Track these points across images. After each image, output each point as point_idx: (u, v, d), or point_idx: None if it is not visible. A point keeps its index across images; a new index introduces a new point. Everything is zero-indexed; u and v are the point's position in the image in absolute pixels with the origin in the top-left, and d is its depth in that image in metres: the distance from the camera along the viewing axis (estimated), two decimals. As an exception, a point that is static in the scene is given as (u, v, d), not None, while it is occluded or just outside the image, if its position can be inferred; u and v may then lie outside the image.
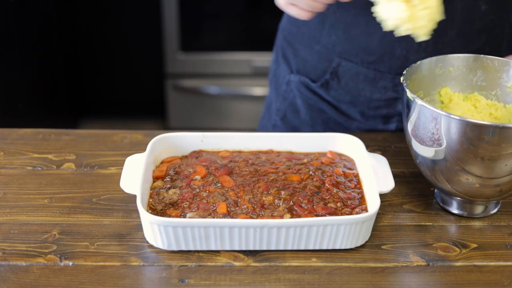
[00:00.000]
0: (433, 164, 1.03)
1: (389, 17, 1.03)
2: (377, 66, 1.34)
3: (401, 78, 1.07)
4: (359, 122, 1.42)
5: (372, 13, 1.27)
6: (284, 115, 1.52)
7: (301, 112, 1.49)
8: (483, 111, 1.13)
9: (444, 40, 1.30)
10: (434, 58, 1.15)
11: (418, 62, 1.12)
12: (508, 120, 1.12)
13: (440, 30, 1.28)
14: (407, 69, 1.09)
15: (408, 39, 1.30)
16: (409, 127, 1.05)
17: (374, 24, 1.29)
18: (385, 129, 1.41)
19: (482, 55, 1.15)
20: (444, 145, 0.99)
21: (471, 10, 1.29)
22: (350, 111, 1.42)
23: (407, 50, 1.32)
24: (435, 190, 1.15)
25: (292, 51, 1.48)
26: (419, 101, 1.00)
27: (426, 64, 1.14)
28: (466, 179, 1.01)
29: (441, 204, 1.12)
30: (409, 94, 1.02)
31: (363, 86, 1.38)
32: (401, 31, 1.03)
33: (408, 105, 1.04)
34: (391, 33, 1.30)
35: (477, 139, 0.95)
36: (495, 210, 1.10)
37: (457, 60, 1.16)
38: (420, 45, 1.30)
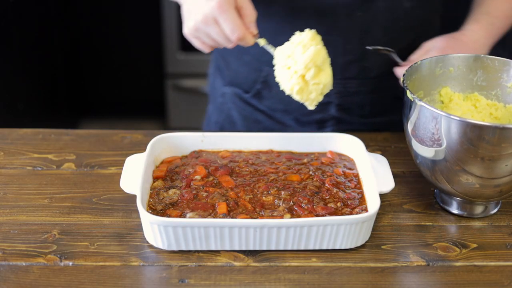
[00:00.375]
0: (433, 164, 1.03)
1: (283, 83, 1.07)
2: None
3: (401, 79, 1.07)
4: (295, 129, 1.42)
5: (296, 20, 1.28)
6: (221, 127, 1.53)
7: (237, 124, 1.50)
8: (483, 111, 1.13)
9: (370, 40, 1.30)
10: (434, 58, 1.15)
11: (418, 62, 1.12)
12: (508, 120, 1.12)
13: (365, 31, 1.29)
14: (407, 69, 1.09)
15: (333, 43, 1.31)
16: (409, 127, 1.05)
17: (298, 30, 1.30)
18: None
19: (483, 55, 1.15)
20: (444, 145, 0.99)
21: (394, 9, 1.29)
22: (284, 119, 1.43)
23: (333, 55, 1.31)
24: (435, 190, 1.15)
25: (224, 63, 1.48)
26: (419, 102, 1.00)
27: (426, 64, 1.14)
28: (466, 179, 1.01)
29: (441, 204, 1.12)
30: (409, 94, 1.02)
31: None
32: (293, 96, 1.07)
33: (408, 105, 1.04)
34: None
35: (477, 139, 0.95)
36: (495, 210, 1.10)
37: (458, 60, 1.16)
38: (346, 48, 1.30)
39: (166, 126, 3.34)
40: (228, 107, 1.50)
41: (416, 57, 1.24)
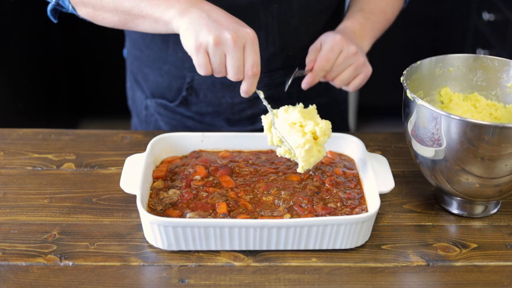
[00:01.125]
0: (433, 164, 1.03)
1: (292, 138, 1.06)
2: None
3: (401, 78, 1.07)
4: (226, 130, 1.41)
5: None
6: None
7: None
8: (483, 111, 1.13)
9: (288, 29, 1.30)
10: (434, 58, 1.15)
11: (418, 62, 1.12)
12: (508, 120, 1.12)
13: (282, 21, 1.28)
14: (407, 69, 1.09)
15: None
16: (409, 127, 1.05)
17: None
18: (254, 129, 1.41)
19: (482, 55, 1.15)
20: (444, 145, 0.99)
21: None
22: (215, 121, 1.42)
23: None
24: (436, 190, 1.15)
25: (142, 75, 1.46)
26: (419, 101, 1.00)
27: (426, 64, 1.14)
28: (466, 179, 1.01)
29: (441, 204, 1.12)
30: (409, 94, 1.02)
31: (223, 93, 1.37)
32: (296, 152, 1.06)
33: (408, 105, 1.04)
34: None
35: (477, 139, 0.95)
36: (495, 210, 1.10)
37: (457, 60, 1.16)
38: (267, 40, 1.30)
39: (166, 126, 3.34)
40: (155, 119, 1.48)
41: (311, 57, 1.22)
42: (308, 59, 1.22)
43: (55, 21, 1.30)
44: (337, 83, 1.22)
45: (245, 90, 1.06)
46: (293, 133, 1.05)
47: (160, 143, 1.16)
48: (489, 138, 0.94)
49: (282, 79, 1.36)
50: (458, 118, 0.95)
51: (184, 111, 1.42)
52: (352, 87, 1.24)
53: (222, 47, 1.01)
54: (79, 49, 3.22)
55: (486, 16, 2.63)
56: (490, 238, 1.05)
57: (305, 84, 1.21)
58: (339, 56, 1.19)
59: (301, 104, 1.09)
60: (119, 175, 1.11)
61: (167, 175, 1.12)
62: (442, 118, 0.97)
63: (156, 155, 1.15)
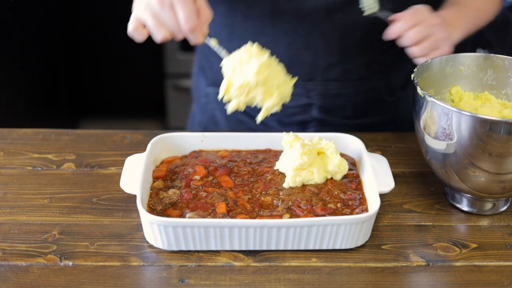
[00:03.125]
0: (444, 158, 1.03)
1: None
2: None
3: (412, 76, 1.07)
4: (277, 130, 1.41)
5: (276, 22, 1.28)
6: (205, 127, 1.53)
7: (221, 124, 1.49)
8: (494, 111, 1.13)
9: (349, 42, 1.30)
10: (444, 56, 1.15)
11: (429, 60, 1.12)
12: None
13: (345, 34, 1.28)
14: (417, 66, 1.10)
15: (314, 45, 1.30)
16: (421, 124, 1.05)
17: (279, 32, 1.31)
18: None
19: (493, 54, 1.16)
20: (455, 139, 0.99)
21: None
22: (267, 119, 1.41)
23: (314, 57, 1.32)
24: (446, 189, 1.15)
25: (207, 63, 1.48)
26: (429, 98, 1.00)
27: (437, 62, 1.14)
28: (474, 172, 1.01)
29: (451, 202, 1.12)
30: (419, 91, 1.03)
31: None
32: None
33: (419, 102, 1.04)
34: (297, 40, 1.32)
35: (486, 135, 0.96)
36: (504, 208, 1.11)
37: (468, 59, 1.16)
38: (327, 49, 1.30)
39: (166, 126, 3.34)
40: (212, 107, 1.50)
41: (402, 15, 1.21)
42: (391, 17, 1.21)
43: None
44: (414, 50, 1.19)
45: (193, 43, 1.08)
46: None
47: (160, 143, 1.16)
48: (497, 136, 0.95)
49: (337, 91, 1.36)
50: (468, 114, 0.96)
51: None
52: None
53: (149, 13, 1.04)
54: (79, 49, 3.21)
55: (486, 16, 2.62)
56: (490, 238, 1.05)
57: (387, 34, 1.20)
58: (422, 20, 1.17)
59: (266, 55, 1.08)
60: (119, 175, 1.11)
61: (167, 175, 1.12)
62: (453, 114, 0.98)
63: (156, 155, 1.15)
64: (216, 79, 1.45)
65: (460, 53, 1.16)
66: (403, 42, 1.19)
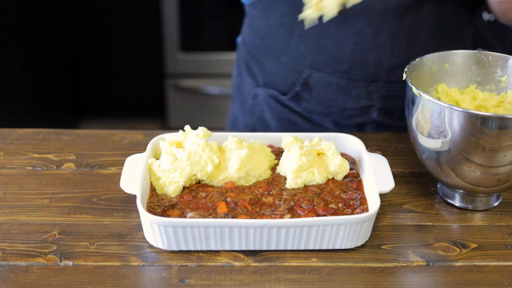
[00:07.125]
0: (438, 156, 1.04)
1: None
2: (350, 75, 1.33)
3: (404, 75, 1.08)
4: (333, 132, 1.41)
5: (344, 21, 1.27)
6: (253, 129, 1.50)
7: (271, 126, 1.47)
8: (481, 106, 1.14)
9: (416, 44, 1.30)
10: (430, 55, 1.16)
11: (417, 59, 1.13)
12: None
13: (412, 35, 1.28)
14: (407, 66, 1.10)
15: (380, 46, 1.29)
16: (414, 122, 1.06)
17: (345, 32, 1.29)
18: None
19: (477, 51, 1.17)
20: (449, 136, 1.00)
21: (442, 12, 1.28)
22: (323, 121, 1.41)
23: (380, 57, 1.31)
24: (438, 186, 1.15)
25: (257, 64, 1.45)
26: (424, 95, 1.01)
27: (424, 61, 1.15)
28: (469, 167, 1.01)
29: (444, 199, 1.12)
30: (414, 90, 1.03)
31: (336, 96, 1.36)
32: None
33: (413, 101, 1.04)
34: (363, 41, 1.30)
35: (478, 130, 0.97)
36: (496, 203, 1.11)
37: (453, 57, 1.18)
38: (393, 51, 1.30)
39: (166, 126, 3.35)
40: (261, 109, 1.47)
41: None
42: None
43: None
44: None
45: None
46: None
47: (160, 143, 1.16)
48: (488, 131, 0.96)
49: (399, 93, 1.36)
50: (460, 109, 0.97)
51: (294, 106, 1.41)
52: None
53: None
54: (79, 49, 3.22)
55: (486, 16, 2.62)
56: (490, 238, 1.05)
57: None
58: None
59: None
60: (119, 175, 1.11)
61: (167, 175, 1.12)
62: (446, 111, 0.98)
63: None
64: (268, 80, 1.43)
65: (446, 51, 1.17)
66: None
